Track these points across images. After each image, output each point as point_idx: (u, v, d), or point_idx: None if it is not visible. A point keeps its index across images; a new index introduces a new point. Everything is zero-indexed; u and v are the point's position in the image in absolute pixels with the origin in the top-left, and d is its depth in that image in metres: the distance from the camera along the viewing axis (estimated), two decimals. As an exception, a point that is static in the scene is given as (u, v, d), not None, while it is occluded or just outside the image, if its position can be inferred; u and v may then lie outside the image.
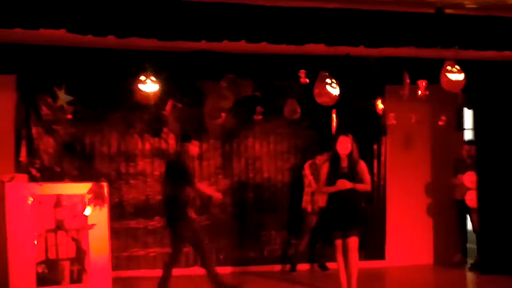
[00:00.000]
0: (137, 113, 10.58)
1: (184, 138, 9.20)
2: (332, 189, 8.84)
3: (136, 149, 10.84)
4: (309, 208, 10.77)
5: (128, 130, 10.80)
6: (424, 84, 8.74)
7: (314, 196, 10.75)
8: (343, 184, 8.76)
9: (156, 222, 10.76)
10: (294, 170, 11.13)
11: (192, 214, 9.01)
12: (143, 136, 10.86)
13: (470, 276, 10.81)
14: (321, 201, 10.53)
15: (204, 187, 9.28)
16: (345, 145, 8.88)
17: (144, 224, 10.79)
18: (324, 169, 9.13)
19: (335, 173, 8.93)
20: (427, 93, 8.78)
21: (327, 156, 10.21)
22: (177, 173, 8.74)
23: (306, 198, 10.77)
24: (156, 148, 10.89)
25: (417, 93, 8.92)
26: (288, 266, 11.16)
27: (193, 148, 9.11)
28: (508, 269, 10.11)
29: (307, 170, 10.86)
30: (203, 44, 7.93)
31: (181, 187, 8.69)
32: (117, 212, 10.50)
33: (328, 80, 8.28)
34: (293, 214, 10.97)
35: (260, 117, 10.58)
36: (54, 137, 10.41)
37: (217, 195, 9.63)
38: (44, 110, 10.33)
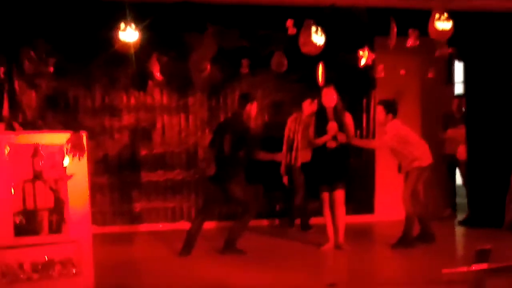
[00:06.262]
0: (122, 66, 10.43)
1: (243, 98, 9.02)
2: (324, 138, 8.77)
3: (121, 103, 10.72)
4: (299, 163, 10.62)
5: (113, 84, 10.66)
6: (415, 33, 8.55)
7: (298, 152, 10.62)
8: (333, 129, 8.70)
9: (142, 177, 10.75)
10: (281, 124, 10.94)
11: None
12: (128, 90, 10.74)
13: (458, 229, 10.77)
14: (304, 156, 10.41)
15: (264, 155, 9.11)
16: (330, 97, 8.82)
17: (130, 178, 10.72)
18: (312, 124, 9.06)
19: (322, 127, 8.85)
20: (418, 43, 8.60)
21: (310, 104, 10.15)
22: (236, 135, 8.60)
23: (294, 153, 10.58)
24: (141, 102, 10.78)
25: (406, 44, 8.74)
26: (276, 221, 11.14)
27: (253, 108, 8.90)
28: (496, 222, 10.05)
29: (290, 125, 10.68)
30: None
31: (239, 148, 8.58)
32: (102, 167, 10.48)
33: (313, 28, 8.09)
34: (277, 169, 10.79)
35: (246, 70, 10.42)
36: (37, 91, 10.30)
37: (279, 158, 9.51)
38: (27, 64, 10.15)
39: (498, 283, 5.12)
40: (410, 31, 8.58)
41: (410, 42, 8.60)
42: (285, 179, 10.53)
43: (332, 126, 8.73)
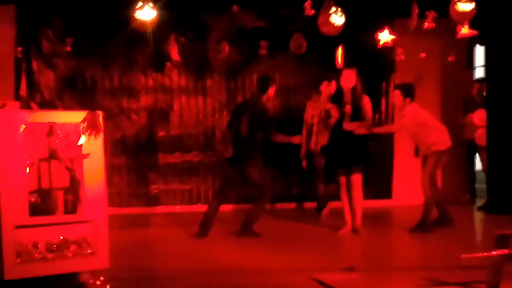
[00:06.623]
0: (139, 47, 10.36)
1: (262, 80, 8.96)
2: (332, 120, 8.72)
3: (138, 84, 10.67)
4: (318, 148, 10.47)
5: (130, 65, 10.60)
6: (432, 15, 8.39)
7: (318, 136, 10.46)
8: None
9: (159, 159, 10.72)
10: (299, 107, 10.83)
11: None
12: (145, 71, 10.69)
13: (477, 215, 10.67)
14: (323, 139, 10.22)
15: (281, 137, 9.05)
16: (349, 78, 8.72)
17: (147, 160, 10.69)
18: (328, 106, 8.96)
19: (338, 109, 8.76)
20: (434, 25, 8.45)
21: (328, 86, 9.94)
22: (254, 117, 8.56)
23: (314, 138, 10.44)
24: (159, 84, 10.73)
25: (424, 25, 8.60)
26: (294, 205, 11.15)
27: (271, 90, 8.84)
28: (515, 208, 9.93)
29: (309, 109, 10.53)
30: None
31: (256, 130, 8.55)
32: (119, 148, 10.45)
33: (333, 9, 7.96)
34: (294, 152, 10.63)
35: (265, 52, 10.32)
36: (54, 71, 10.27)
37: (296, 140, 9.47)
38: (44, 43, 10.13)
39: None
40: (428, 13, 8.43)
41: (427, 24, 8.44)
42: (304, 163, 10.43)
43: (332, 108, 8.67)
